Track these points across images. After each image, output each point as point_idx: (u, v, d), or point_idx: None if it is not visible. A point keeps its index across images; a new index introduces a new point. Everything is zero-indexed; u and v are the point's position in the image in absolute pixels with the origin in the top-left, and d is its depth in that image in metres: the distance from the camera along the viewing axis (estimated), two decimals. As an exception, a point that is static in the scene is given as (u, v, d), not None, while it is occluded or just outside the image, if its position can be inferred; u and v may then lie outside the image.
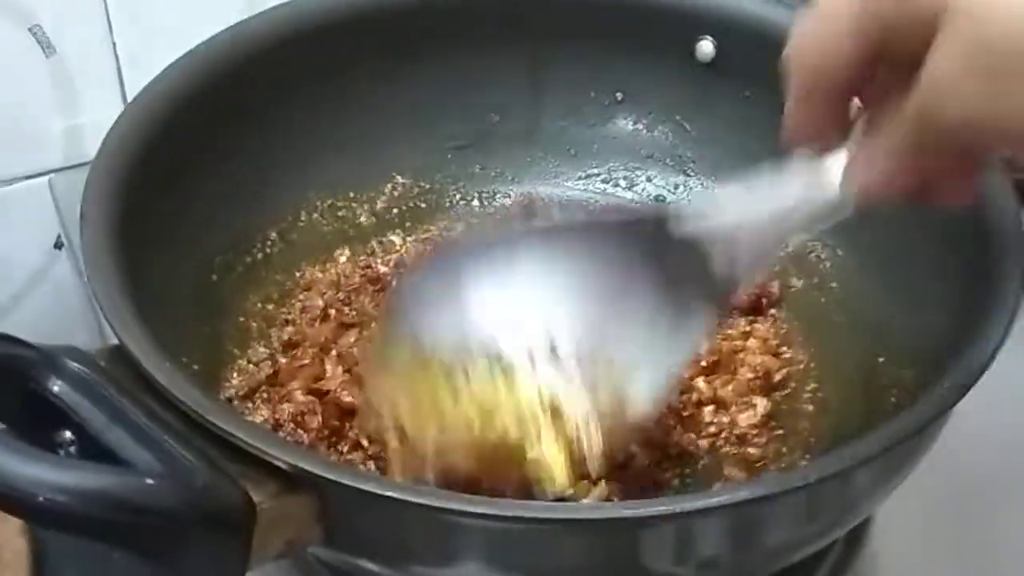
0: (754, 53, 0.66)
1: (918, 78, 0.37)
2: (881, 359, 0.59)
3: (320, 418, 0.56)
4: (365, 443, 0.55)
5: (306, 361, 0.59)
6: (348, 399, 0.57)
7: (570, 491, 0.50)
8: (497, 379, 0.50)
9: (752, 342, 0.62)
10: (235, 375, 0.60)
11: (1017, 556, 0.60)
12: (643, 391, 0.49)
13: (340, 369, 0.59)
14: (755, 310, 0.64)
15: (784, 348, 0.63)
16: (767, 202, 0.46)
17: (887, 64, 0.40)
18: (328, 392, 0.58)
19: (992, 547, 0.61)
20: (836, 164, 0.43)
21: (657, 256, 0.49)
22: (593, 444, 0.49)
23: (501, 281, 0.51)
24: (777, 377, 0.61)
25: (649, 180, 0.72)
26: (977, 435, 0.61)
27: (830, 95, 0.42)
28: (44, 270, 0.86)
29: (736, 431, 0.59)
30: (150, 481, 0.41)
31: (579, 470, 0.50)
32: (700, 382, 0.60)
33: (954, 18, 0.36)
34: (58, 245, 0.85)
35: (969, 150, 0.40)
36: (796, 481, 0.44)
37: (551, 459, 0.50)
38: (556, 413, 0.50)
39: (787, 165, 0.45)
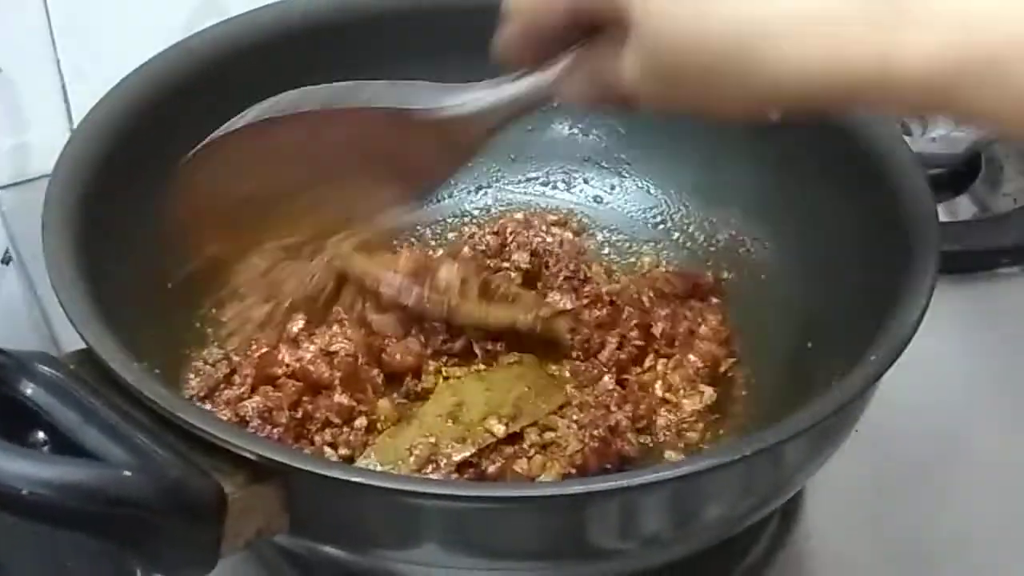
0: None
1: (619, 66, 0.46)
2: (809, 345, 0.63)
3: (285, 408, 0.58)
4: (335, 419, 0.58)
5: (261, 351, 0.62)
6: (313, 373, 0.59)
7: None
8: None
9: (704, 330, 0.65)
10: (193, 376, 0.62)
11: (946, 535, 0.63)
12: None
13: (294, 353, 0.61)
14: (693, 296, 0.67)
15: (732, 339, 0.66)
16: (493, 94, 0.54)
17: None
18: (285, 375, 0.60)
19: (922, 524, 0.63)
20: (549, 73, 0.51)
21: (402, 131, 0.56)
22: None
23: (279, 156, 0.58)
24: (723, 367, 0.64)
25: (586, 182, 0.74)
26: (907, 419, 0.65)
27: (542, 37, 0.50)
28: (-9, 286, 0.86)
29: (680, 415, 0.62)
30: (126, 473, 0.44)
31: None
32: (658, 365, 0.64)
33: (638, 30, 0.44)
34: (5, 260, 0.86)
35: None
36: (734, 454, 0.47)
37: None
38: None
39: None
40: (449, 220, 0.73)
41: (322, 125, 0.58)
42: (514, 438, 0.58)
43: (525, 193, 0.75)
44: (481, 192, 0.74)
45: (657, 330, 0.64)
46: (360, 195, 0.61)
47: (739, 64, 0.43)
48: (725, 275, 0.69)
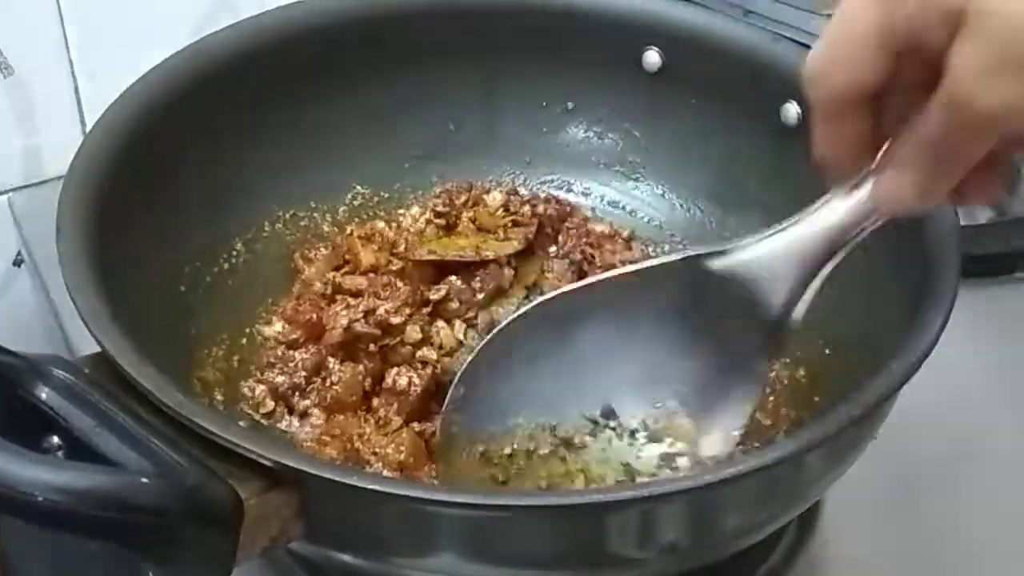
0: (700, 62, 0.69)
1: (945, 73, 0.38)
2: (828, 352, 0.62)
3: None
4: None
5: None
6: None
7: None
8: (567, 457, 0.52)
9: None
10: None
11: (963, 542, 0.62)
12: (717, 442, 0.52)
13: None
14: None
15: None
16: (797, 228, 0.46)
17: (907, 73, 0.40)
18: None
19: (939, 533, 0.63)
20: (864, 185, 0.43)
21: (698, 303, 0.49)
22: None
23: (553, 358, 0.52)
24: None
25: (601, 185, 0.74)
26: (924, 425, 0.64)
27: (856, 109, 0.41)
28: (3, 287, 0.86)
29: None
30: (142, 480, 0.43)
31: None
32: None
33: (979, 13, 0.37)
34: (17, 262, 0.85)
35: (997, 141, 0.40)
36: (753, 464, 0.46)
37: None
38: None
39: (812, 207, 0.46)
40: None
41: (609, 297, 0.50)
42: None
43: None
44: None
45: None
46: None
47: None
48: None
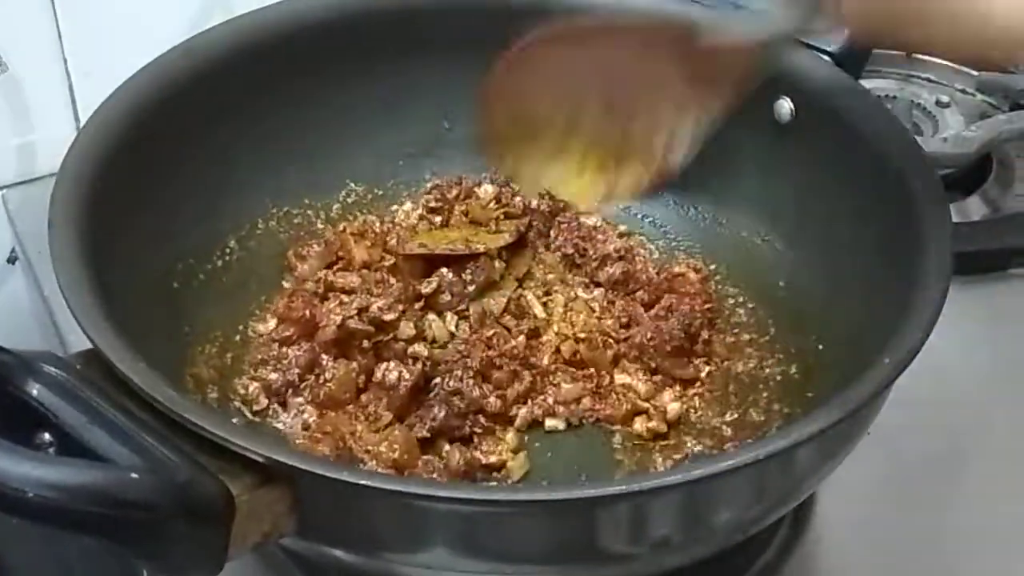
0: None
1: None
2: (821, 347, 0.62)
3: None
4: None
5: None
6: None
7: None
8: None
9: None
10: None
11: (957, 537, 0.62)
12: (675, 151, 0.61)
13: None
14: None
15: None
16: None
17: None
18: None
19: (932, 528, 0.63)
20: None
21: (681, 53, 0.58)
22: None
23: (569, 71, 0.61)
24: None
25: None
26: (917, 420, 0.64)
27: None
28: (-3, 284, 0.86)
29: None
30: (133, 475, 0.43)
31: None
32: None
33: None
34: (11, 260, 0.85)
35: None
36: (746, 458, 0.46)
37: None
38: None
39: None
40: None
41: (613, 41, 0.61)
42: None
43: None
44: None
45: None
46: (650, 109, 0.62)
47: None
48: (735, 277, 0.69)
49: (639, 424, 0.62)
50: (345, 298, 0.64)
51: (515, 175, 0.68)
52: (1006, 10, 0.40)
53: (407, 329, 0.63)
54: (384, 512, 0.48)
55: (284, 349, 0.63)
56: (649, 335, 0.64)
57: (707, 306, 0.66)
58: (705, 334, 0.65)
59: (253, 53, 0.68)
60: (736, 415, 0.62)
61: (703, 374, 0.65)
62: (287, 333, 0.64)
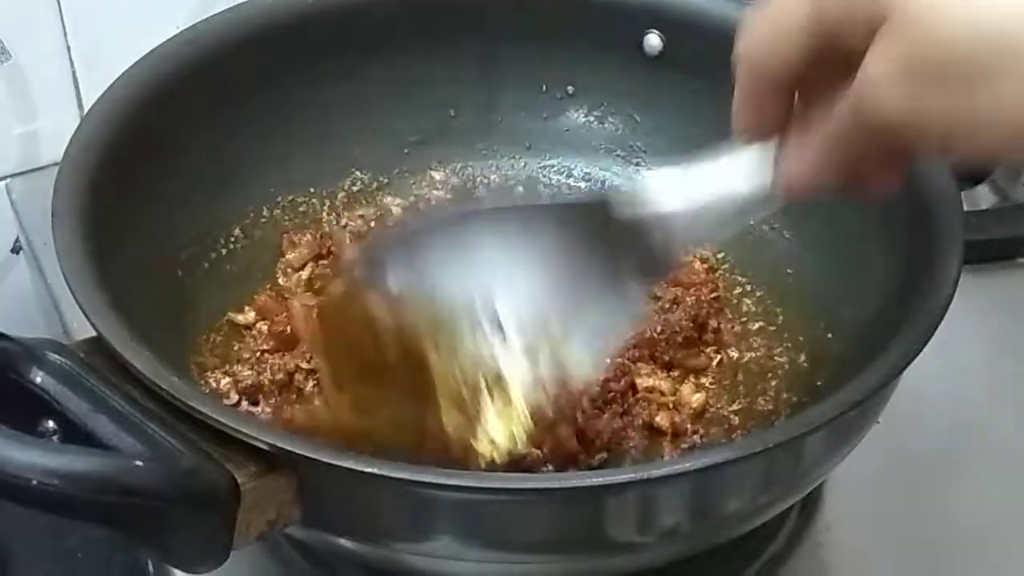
0: (700, 46, 0.69)
1: (856, 75, 0.39)
2: (830, 336, 0.62)
3: None
4: None
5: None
6: None
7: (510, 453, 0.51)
8: (441, 347, 0.51)
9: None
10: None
11: (965, 527, 0.62)
12: (583, 359, 0.51)
13: None
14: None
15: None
16: (703, 189, 0.47)
17: (828, 62, 0.41)
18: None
19: (941, 518, 0.63)
20: (770, 154, 0.45)
21: (598, 238, 0.50)
22: (539, 409, 0.51)
23: (452, 256, 0.52)
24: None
25: (602, 170, 0.74)
26: (926, 410, 0.64)
27: (777, 90, 0.43)
28: (1, 274, 0.86)
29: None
30: (138, 463, 0.43)
31: (523, 435, 0.51)
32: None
33: (900, 20, 0.37)
34: (15, 249, 0.85)
35: (895, 148, 0.41)
36: (755, 446, 0.46)
37: (493, 425, 0.51)
38: (498, 382, 0.51)
39: (723, 151, 0.47)
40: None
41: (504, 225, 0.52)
42: None
43: (539, 182, 0.74)
44: (494, 180, 0.74)
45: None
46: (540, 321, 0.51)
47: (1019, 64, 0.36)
48: (744, 265, 0.68)
49: (662, 418, 0.61)
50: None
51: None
52: None
53: None
54: (390, 500, 0.47)
55: (265, 355, 0.63)
56: (659, 329, 0.64)
57: (713, 295, 0.66)
58: (714, 323, 0.64)
59: (257, 41, 0.68)
60: (744, 404, 0.62)
61: (714, 363, 0.64)
62: (267, 346, 0.63)
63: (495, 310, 0.51)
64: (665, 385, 0.62)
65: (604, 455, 0.59)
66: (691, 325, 0.64)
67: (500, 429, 0.50)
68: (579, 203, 0.54)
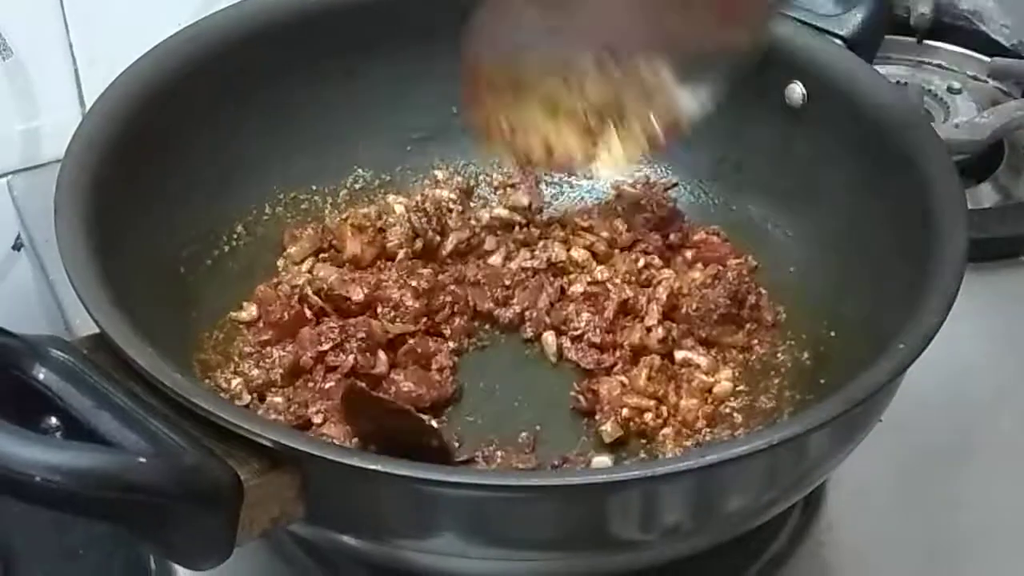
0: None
1: None
2: (833, 334, 0.62)
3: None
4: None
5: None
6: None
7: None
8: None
9: None
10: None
11: (968, 525, 0.62)
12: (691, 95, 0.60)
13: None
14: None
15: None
16: None
17: None
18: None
19: (944, 517, 0.62)
20: None
21: None
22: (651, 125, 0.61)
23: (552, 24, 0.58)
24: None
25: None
26: (929, 408, 0.64)
27: None
28: (2, 271, 0.86)
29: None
30: (141, 460, 0.43)
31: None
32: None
33: None
34: (16, 246, 0.85)
35: None
36: (759, 443, 0.46)
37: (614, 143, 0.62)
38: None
39: None
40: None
41: None
42: None
43: (541, 180, 0.74)
44: (496, 177, 0.74)
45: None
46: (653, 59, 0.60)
47: None
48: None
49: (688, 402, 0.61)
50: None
51: (505, 146, 0.64)
52: None
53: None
54: (394, 497, 0.47)
55: (268, 348, 0.62)
56: (695, 305, 0.64)
57: (754, 266, 0.66)
58: (752, 299, 0.64)
59: (260, 38, 0.68)
60: (747, 401, 0.62)
61: (755, 343, 0.64)
62: (266, 336, 0.63)
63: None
64: (704, 362, 0.63)
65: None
66: (728, 302, 0.63)
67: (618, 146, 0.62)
68: None
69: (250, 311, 0.64)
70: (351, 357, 0.60)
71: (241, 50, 0.67)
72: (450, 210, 0.69)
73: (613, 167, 0.65)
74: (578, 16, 0.57)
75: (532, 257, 0.68)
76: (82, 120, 0.60)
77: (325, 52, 0.70)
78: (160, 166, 0.63)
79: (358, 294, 0.63)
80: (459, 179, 0.73)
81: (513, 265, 0.68)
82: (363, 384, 0.57)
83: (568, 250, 0.68)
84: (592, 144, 0.61)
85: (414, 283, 0.64)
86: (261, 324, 0.63)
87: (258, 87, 0.68)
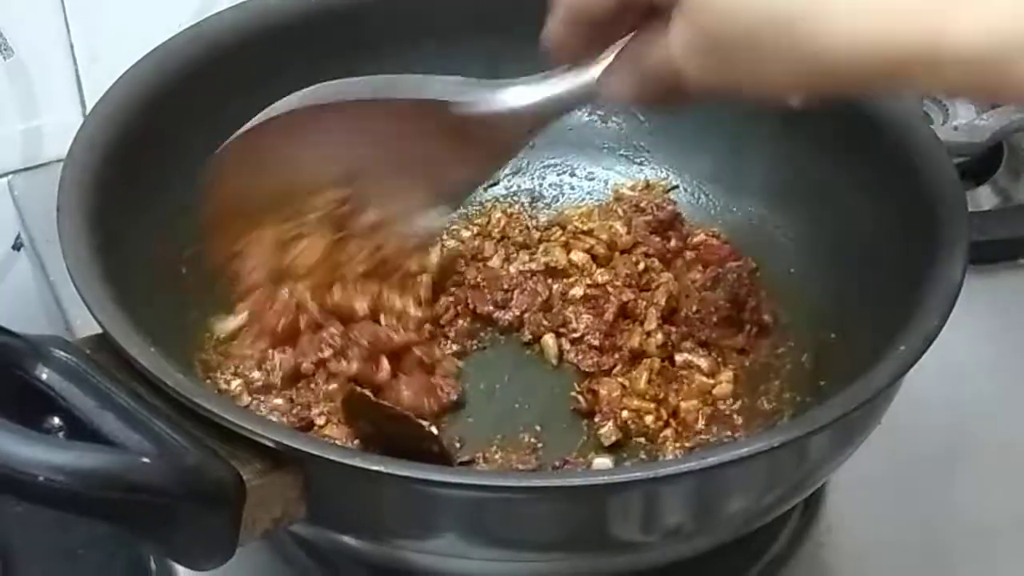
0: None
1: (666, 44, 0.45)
2: (833, 336, 0.62)
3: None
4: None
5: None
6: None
7: None
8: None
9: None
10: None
11: (967, 527, 0.62)
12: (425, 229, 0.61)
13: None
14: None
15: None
16: (530, 95, 0.54)
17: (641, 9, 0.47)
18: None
19: (943, 519, 0.63)
20: (593, 70, 0.50)
21: (441, 126, 0.56)
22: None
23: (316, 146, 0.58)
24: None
25: (605, 169, 0.74)
26: (928, 410, 0.64)
27: (592, 26, 0.48)
28: (3, 270, 0.86)
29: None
30: (144, 460, 0.43)
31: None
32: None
33: (688, 6, 0.43)
34: (16, 246, 0.85)
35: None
36: (759, 446, 0.46)
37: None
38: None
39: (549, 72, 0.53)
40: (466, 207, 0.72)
41: (360, 116, 0.57)
42: None
43: (544, 181, 0.74)
44: (500, 180, 0.74)
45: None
46: (395, 193, 0.59)
47: (788, 34, 0.41)
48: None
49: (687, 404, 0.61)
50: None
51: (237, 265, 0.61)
52: (849, 41, 0.41)
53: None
54: (395, 498, 0.47)
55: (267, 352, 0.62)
56: (695, 307, 0.64)
57: (753, 268, 0.66)
58: (752, 301, 0.64)
59: (261, 39, 0.68)
60: (747, 403, 0.62)
61: (755, 345, 0.64)
62: (262, 344, 0.62)
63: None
64: (704, 363, 0.63)
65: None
66: (728, 305, 0.64)
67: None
68: (419, 99, 0.57)
69: (240, 317, 0.63)
70: (353, 364, 0.59)
71: (242, 51, 0.67)
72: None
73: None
74: (321, 147, 0.58)
75: (531, 260, 0.68)
76: (84, 121, 0.60)
77: (326, 53, 0.70)
78: (161, 166, 0.63)
79: (362, 305, 0.62)
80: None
81: (512, 268, 0.68)
82: (364, 389, 0.57)
83: (568, 253, 0.68)
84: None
85: (416, 291, 0.64)
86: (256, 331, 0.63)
87: (259, 88, 0.67)
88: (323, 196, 0.60)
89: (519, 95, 0.54)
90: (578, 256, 0.68)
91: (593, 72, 0.50)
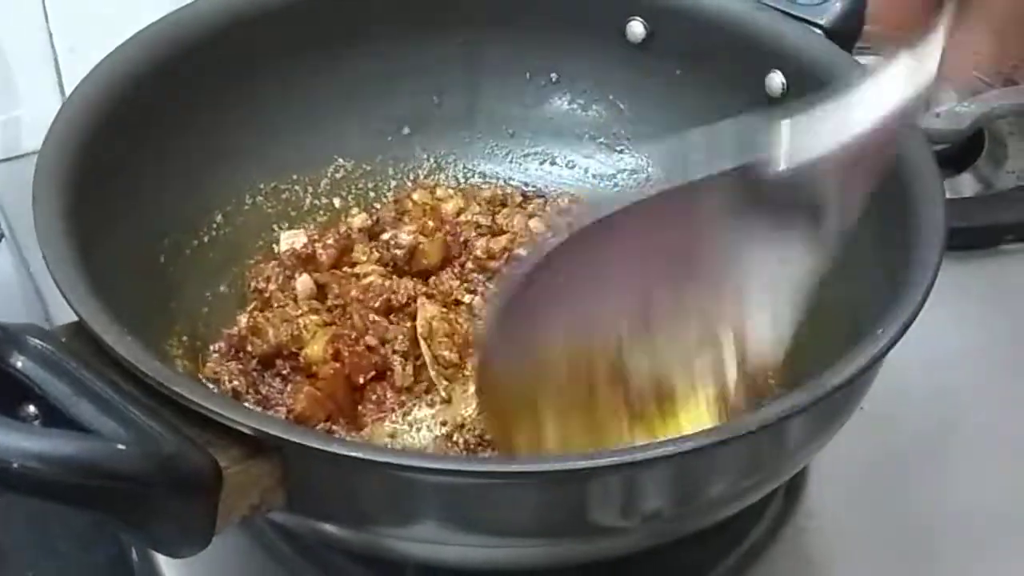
0: (684, 33, 0.69)
1: None
2: (811, 320, 0.62)
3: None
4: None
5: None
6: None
7: None
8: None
9: None
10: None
11: (949, 513, 0.62)
12: (769, 340, 0.49)
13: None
14: None
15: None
16: (855, 118, 0.43)
17: None
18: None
19: (924, 504, 0.63)
20: (925, 55, 0.40)
21: (747, 206, 0.45)
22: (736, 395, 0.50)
23: (600, 277, 0.47)
24: None
25: (585, 158, 0.74)
26: (909, 396, 0.65)
27: None
28: (-18, 262, 0.86)
29: None
30: (120, 447, 0.43)
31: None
32: None
33: None
34: (-4, 237, 0.85)
35: None
36: (738, 430, 0.46)
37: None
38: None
39: (847, 89, 0.43)
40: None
41: (644, 226, 0.45)
42: None
43: (523, 170, 0.74)
44: (479, 169, 0.74)
45: None
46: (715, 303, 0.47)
47: None
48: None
49: None
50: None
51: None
52: None
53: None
54: (374, 485, 0.47)
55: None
56: None
57: None
58: None
59: (241, 26, 0.68)
60: (726, 389, 0.62)
61: None
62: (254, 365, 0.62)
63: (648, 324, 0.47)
64: None
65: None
66: None
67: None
68: (711, 177, 0.45)
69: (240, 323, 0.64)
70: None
71: (223, 38, 0.67)
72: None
73: None
74: (601, 294, 0.45)
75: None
76: (61, 108, 0.59)
77: (306, 41, 0.70)
78: (140, 154, 0.62)
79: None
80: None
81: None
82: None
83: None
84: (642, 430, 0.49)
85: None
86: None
87: (239, 76, 0.68)
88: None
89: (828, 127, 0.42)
90: None
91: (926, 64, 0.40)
